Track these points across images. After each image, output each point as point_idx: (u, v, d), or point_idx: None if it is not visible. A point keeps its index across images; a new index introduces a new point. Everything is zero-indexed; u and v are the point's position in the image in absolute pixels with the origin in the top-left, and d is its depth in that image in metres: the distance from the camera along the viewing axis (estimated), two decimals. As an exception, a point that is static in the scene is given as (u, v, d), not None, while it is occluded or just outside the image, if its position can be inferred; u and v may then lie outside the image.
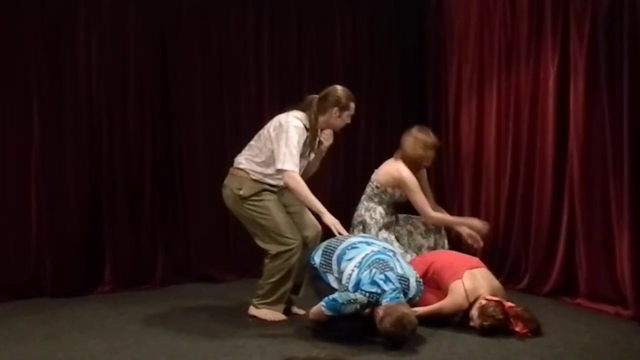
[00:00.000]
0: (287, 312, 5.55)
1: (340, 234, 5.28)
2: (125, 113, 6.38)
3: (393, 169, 5.94)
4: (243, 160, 5.52)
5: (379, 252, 5.11)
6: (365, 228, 5.94)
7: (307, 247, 5.48)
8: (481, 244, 5.99)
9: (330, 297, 4.96)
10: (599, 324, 5.37)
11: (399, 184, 5.90)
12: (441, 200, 6.71)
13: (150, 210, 6.49)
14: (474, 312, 5.13)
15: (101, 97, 6.29)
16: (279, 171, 5.31)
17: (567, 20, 5.88)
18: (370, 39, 7.22)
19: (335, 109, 5.40)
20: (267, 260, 5.48)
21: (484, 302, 5.11)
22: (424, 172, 6.11)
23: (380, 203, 5.97)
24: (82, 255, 6.24)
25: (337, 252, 5.20)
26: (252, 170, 5.46)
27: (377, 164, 6.18)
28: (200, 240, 6.67)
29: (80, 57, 6.19)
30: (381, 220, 5.96)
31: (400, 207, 6.11)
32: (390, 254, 5.15)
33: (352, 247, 5.19)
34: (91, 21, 6.21)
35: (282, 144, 5.30)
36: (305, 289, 5.60)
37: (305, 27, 7.00)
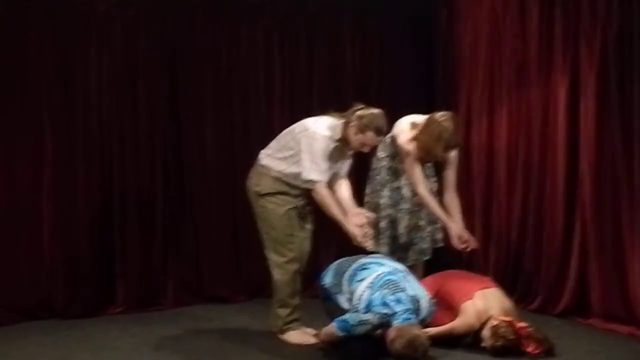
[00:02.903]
0: None
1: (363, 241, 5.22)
2: (136, 134, 6.38)
3: (405, 126, 5.78)
4: (264, 157, 5.47)
5: (390, 272, 5.08)
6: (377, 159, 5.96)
7: None
8: (472, 245, 5.73)
9: (342, 318, 4.92)
10: (613, 345, 5.31)
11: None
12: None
13: (162, 231, 6.46)
14: (486, 333, 5.08)
15: (112, 118, 6.29)
16: (310, 182, 5.25)
17: (577, 40, 5.86)
18: (380, 61, 7.20)
19: (355, 122, 5.28)
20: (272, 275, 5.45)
21: (495, 322, 5.07)
22: (450, 163, 5.81)
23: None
24: (93, 276, 6.22)
25: (348, 272, 5.17)
26: (273, 168, 5.40)
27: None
28: (211, 261, 6.63)
29: (91, 78, 6.20)
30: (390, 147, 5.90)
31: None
32: (402, 274, 5.11)
33: (363, 267, 5.16)
34: (102, 42, 6.23)
35: (307, 151, 5.23)
36: (317, 309, 5.54)
37: (315, 51, 7.00)
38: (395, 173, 5.94)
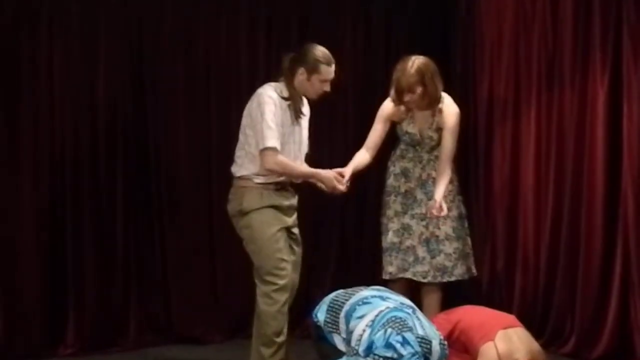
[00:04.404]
0: None
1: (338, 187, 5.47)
2: (95, 135, 6.37)
3: None
4: (238, 169, 5.50)
5: (395, 308, 5.05)
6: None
7: None
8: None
9: (337, 362, 4.86)
10: (661, 396, 5.30)
11: None
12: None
13: (122, 256, 6.44)
14: (510, 381, 5.06)
15: (65, 120, 6.28)
16: (261, 153, 5.31)
17: (619, 30, 5.89)
18: (386, 53, 7.18)
19: (302, 69, 5.38)
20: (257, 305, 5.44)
21: (521, 368, 5.04)
22: (447, 129, 6.07)
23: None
24: (39, 310, 6.19)
25: (346, 308, 5.15)
26: (252, 175, 5.41)
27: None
28: (182, 293, 6.62)
29: (41, 62, 6.20)
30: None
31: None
32: (409, 310, 5.08)
33: (364, 302, 5.14)
34: (54, 20, 6.21)
35: (259, 121, 5.32)
36: (307, 351, 5.52)
37: (308, 37, 6.93)
38: (405, 174, 6.11)
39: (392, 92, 6.00)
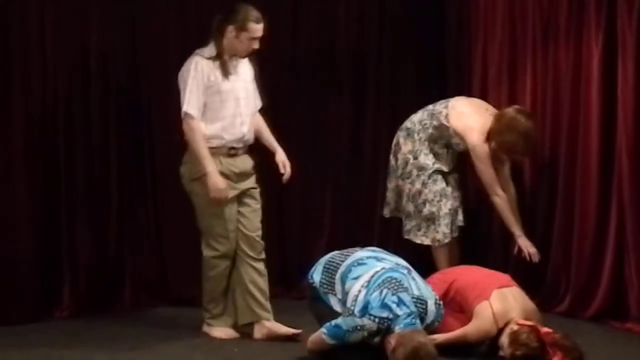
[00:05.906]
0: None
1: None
2: (87, 105, 6.37)
3: (471, 121, 6.25)
4: None
5: (391, 269, 5.11)
6: (409, 134, 6.35)
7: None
8: (535, 259, 6.26)
9: (333, 322, 4.96)
10: (654, 353, 5.38)
11: (464, 140, 6.26)
12: (466, 205, 6.66)
13: (117, 218, 6.47)
14: (504, 340, 5.13)
15: (57, 87, 6.28)
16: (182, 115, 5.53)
17: (613, -12, 5.87)
18: (380, 21, 7.14)
19: (231, 27, 5.53)
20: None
21: (515, 327, 5.11)
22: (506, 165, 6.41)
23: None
24: (34, 274, 6.20)
25: (341, 269, 5.21)
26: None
27: (386, 164, 6.47)
28: (177, 255, 6.63)
29: (32, 34, 6.18)
30: (430, 130, 6.33)
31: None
32: (405, 271, 5.15)
33: (359, 263, 5.20)
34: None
35: (181, 90, 5.53)
36: (303, 312, 5.58)
37: (300, 2, 6.97)
38: (438, 157, 6.37)
39: (527, 149, 6.19)
